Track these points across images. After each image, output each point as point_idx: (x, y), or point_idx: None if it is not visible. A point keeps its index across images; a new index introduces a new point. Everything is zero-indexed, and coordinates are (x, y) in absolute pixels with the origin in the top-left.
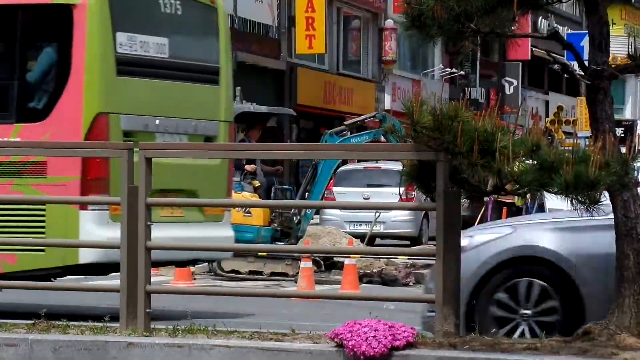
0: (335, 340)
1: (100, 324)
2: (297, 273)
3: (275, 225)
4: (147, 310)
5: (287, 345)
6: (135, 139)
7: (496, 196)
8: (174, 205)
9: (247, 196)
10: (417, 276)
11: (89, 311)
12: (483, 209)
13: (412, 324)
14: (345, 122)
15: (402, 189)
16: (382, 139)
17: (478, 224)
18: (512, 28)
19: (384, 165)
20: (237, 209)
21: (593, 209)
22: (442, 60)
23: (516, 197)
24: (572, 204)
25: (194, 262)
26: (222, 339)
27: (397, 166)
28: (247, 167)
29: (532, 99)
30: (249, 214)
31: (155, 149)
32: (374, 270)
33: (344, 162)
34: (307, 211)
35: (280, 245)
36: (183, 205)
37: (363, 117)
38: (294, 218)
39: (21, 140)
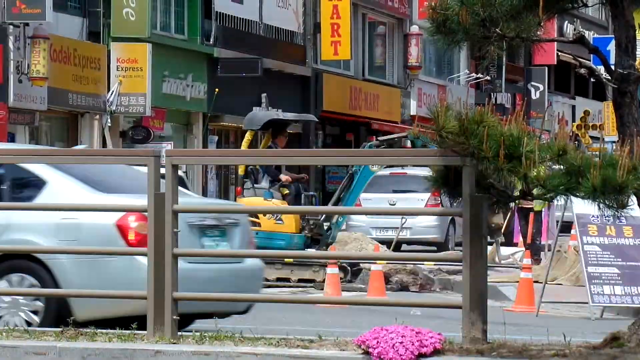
0: (362, 346)
1: (128, 332)
2: (325, 280)
3: (306, 232)
4: (174, 317)
5: (314, 352)
6: None
7: (517, 202)
8: (201, 212)
9: (277, 203)
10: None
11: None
12: (509, 215)
13: (439, 330)
14: (379, 138)
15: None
16: None
17: (505, 230)
18: (538, 33)
19: (410, 171)
20: (267, 216)
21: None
22: (467, 66)
23: (534, 202)
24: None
25: None
26: (249, 346)
27: (424, 172)
28: (282, 178)
29: (558, 103)
30: (280, 222)
31: (182, 155)
32: (391, 278)
33: None
34: (339, 218)
35: (306, 252)
36: (211, 212)
37: (395, 135)
38: (324, 225)
39: None
